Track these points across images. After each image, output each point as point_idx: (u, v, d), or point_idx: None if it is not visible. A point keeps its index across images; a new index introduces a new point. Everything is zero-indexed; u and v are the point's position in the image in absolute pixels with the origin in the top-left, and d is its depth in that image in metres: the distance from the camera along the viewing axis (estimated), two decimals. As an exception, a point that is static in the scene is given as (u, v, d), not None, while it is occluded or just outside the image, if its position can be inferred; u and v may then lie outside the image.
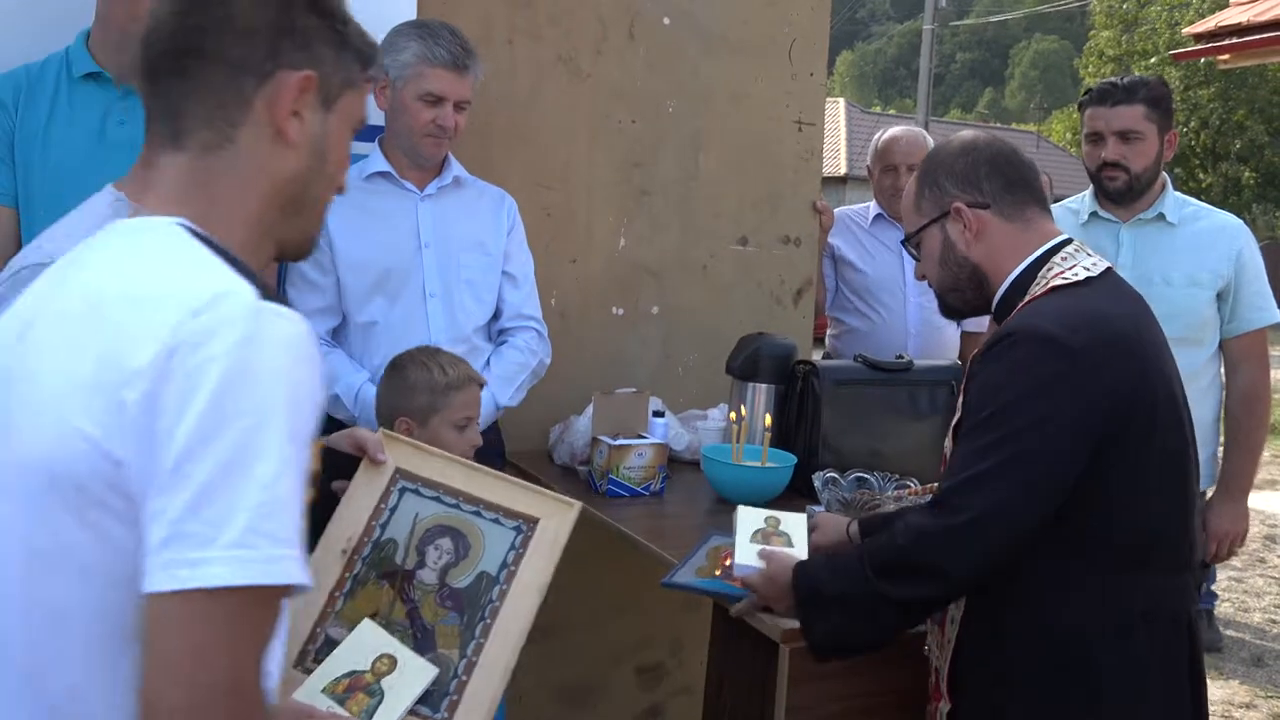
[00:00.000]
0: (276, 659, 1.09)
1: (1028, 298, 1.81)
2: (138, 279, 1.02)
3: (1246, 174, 23.55)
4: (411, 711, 1.60)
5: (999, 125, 35.26)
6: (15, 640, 1.02)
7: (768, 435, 2.83)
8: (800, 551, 1.99)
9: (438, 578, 1.70)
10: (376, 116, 2.76)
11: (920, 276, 2.01)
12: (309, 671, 1.63)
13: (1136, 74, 3.50)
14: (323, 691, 1.57)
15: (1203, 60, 9.73)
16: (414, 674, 1.61)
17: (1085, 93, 3.16)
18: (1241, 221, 3.14)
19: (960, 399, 1.82)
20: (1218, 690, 4.44)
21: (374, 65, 1.24)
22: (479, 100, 2.86)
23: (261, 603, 0.95)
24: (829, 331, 3.93)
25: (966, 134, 1.99)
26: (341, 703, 1.57)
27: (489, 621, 1.69)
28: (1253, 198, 24.14)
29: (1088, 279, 1.79)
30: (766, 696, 2.05)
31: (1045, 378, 1.69)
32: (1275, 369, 3.24)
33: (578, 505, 1.82)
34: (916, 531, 1.71)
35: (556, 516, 1.78)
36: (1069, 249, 1.86)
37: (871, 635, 1.78)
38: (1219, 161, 23.62)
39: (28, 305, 1.11)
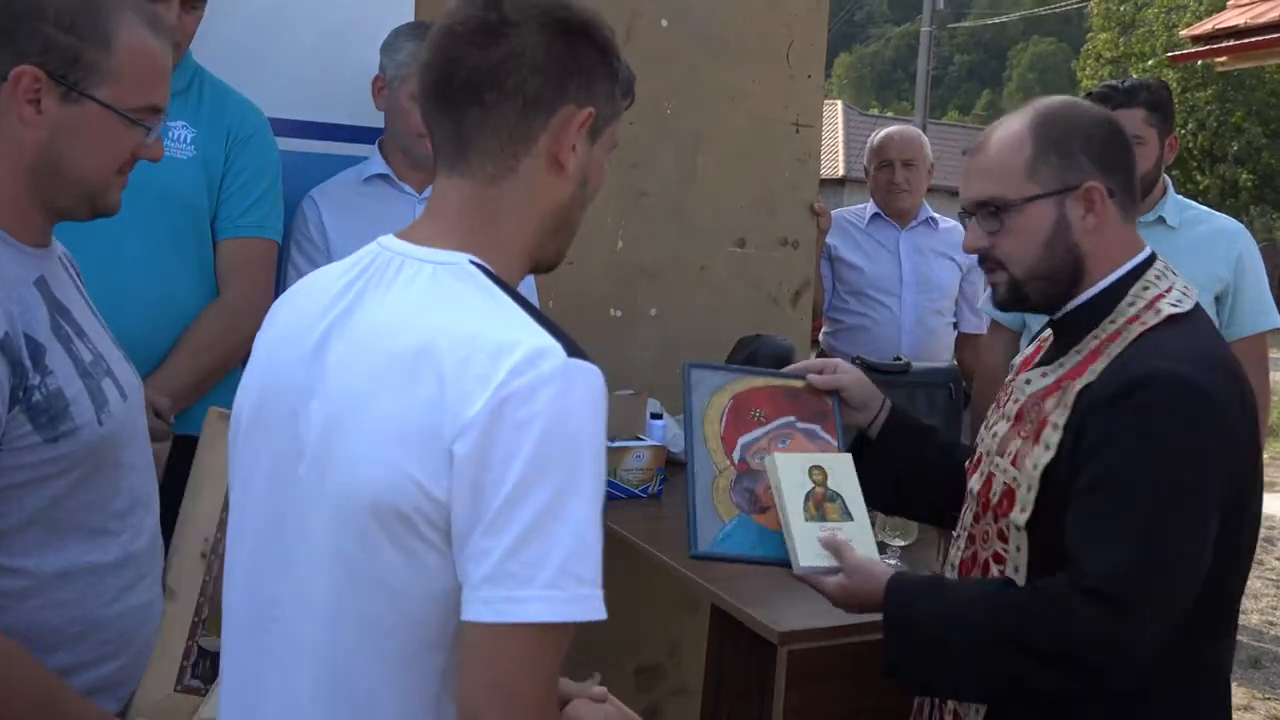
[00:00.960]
0: None
1: (1130, 317, 1.60)
2: (457, 328, 1.10)
3: (1244, 176, 23.57)
4: None
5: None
6: (321, 648, 1.13)
7: (765, 437, 2.83)
8: (861, 521, 1.72)
9: None
10: (376, 118, 2.76)
11: (975, 250, 1.70)
12: (190, 691, 1.58)
13: (1137, 77, 3.51)
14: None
15: (1200, 62, 9.74)
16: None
17: (1085, 95, 3.16)
18: (1242, 225, 3.14)
19: (1067, 436, 1.55)
20: (1215, 692, 4.44)
21: (631, 95, 1.31)
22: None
23: (565, 635, 1.08)
24: (823, 329, 3.95)
25: (1080, 103, 1.70)
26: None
27: None
28: (1250, 199, 24.16)
29: (1193, 309, 1.62)
30: (764, 698, 2.05)
31: (1200, 441, 1.49)
32: (1275, 371, 3.25)
33: None
34: (1090, 628, 1.46)
35: None
36: (1159, 265, 1.67)
37: (962, 689, 1.62)
38: (1216, 163, 23.64)
39: (326, 331, 1.18)
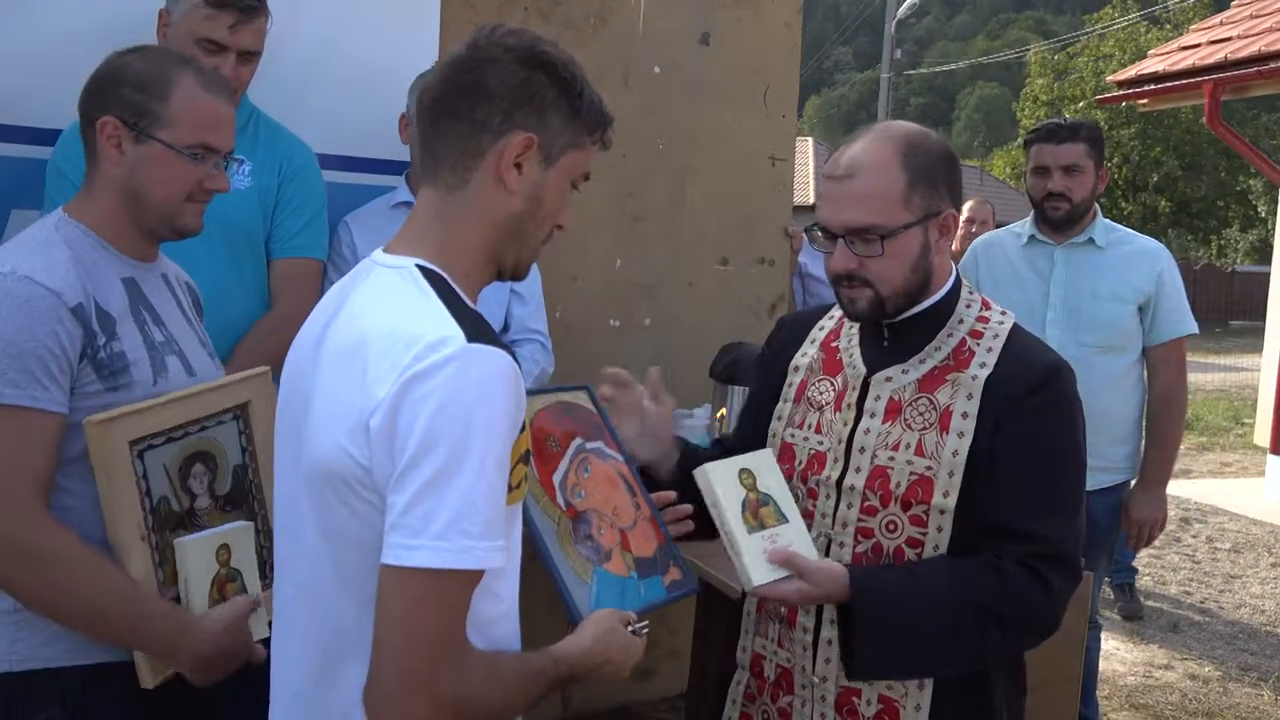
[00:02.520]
0: (508, 614, 1.28)
1: (979, 317, 1.61)
2: (383, 324, 1.17)
3: (1163, 203, 23.60)
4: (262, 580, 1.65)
5: (947, 161, 35.21)
6: (321, 585, 1.22)
7: (746, 431, 2.83)
8: (795, 520, 1.54)
9: (210, 498, 1.66)
10: (402, 152, 2.76)
11: (844, 271, 1.57)
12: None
13: (1075, 117, 3.53)
14: (210, 607, 1.57)
15: (1124, 104, 9.77)
16: (245, 540, 1.63)
17: (1032, 131, 3.17)
18: (1162, 246, 3.16)
19: (984, 423, 1.53)
20: (1140, 653, 4.45)
21: (601, 130, 1.30)
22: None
23: (459, 581, 1.12)
24: None
25: (929, 132, 1.62)
26: (223, 599, 1.59)
27: (260, 495, 1.73)
28: (1168, 224, 24.18)
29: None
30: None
31: (1084, 422, 1.58)
32: (1193, 373, 3.26)
33: (265, 369, 1.75)
34: (1053, 593, 1.50)
35: (258, 390, 1.72)
36: (964, 281, 1.68)
37: (930, 667, 1.53)
38: (1138, 192, 23.66)
39: (323, 330, 1.27)
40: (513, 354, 1.17)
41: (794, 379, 1.73)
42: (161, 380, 1.58)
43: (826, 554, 1.58)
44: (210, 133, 1.60)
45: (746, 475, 1.54)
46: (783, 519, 1.53)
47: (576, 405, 1.67)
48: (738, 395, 2.98)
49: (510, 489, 1.18)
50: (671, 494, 1.63)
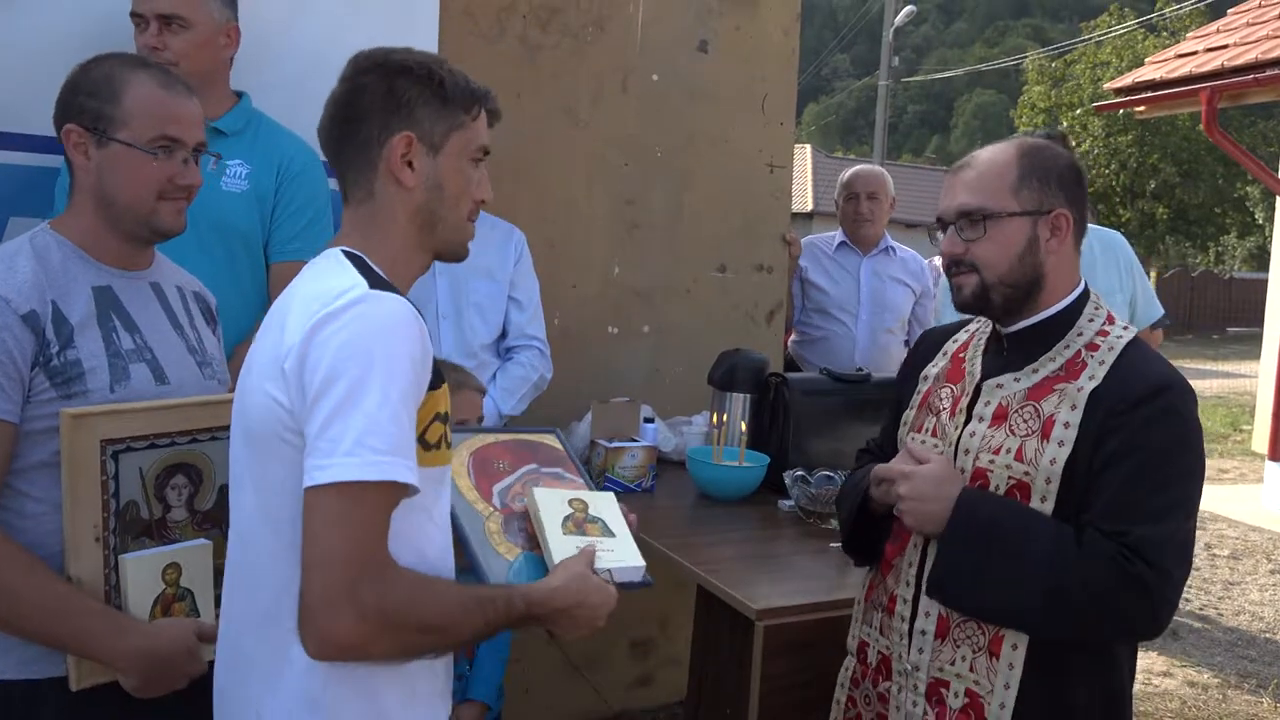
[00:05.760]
0: (435, 541, 1.35)
1: (1099, 330, 1.63)
2: (302, 289, 1.30)
3: (1160, 210, 23.60)
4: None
5: (945, 168, 35.36)
6: (259, 541, 1.30)
7: (744, 438, 2.83)
8: (623, 537, 1.54)
9: (187, 511, 1.62)
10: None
11: (951, 255, 1.65)
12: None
13: (1060, 129, 3.57)
14: (149, 619, 1.53)
15: (1122, 111, 9.78)
16: (201, 559, 1.60)
17: None
18: (1115, 231, 3.16)
19: (1085, 434, 1.54)
20: (1140, 660, 4.42)
21: (478, 105, 1.41)
22: (491, 145, 2.86)
23: (371, 493, 1.17)
24: (792, 339, 3.99)
25: (1057, 145, 1.69)
26: (167, 613, 1.56)
27: None
28: (1166, 230, 24.19)
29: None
30: (744, 667, 2.04)
31: (1201, 439, 1.58)
32: (1190, 380, 3.25)
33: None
34: (1137, 583, 1.47)
35: None
36: (1093, 295, 1.70)
37: (1003, 597, 1.54)
38: (1136, 199, 23.67)
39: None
40: (416, 309, 1.26)
41: (922, 387, 1.81)
42: (120, 388, 1.57)
43: (926, 550, 1.66)
44: (169, 126, 1.60)
45: (578, 502, 1.57)
46: (609, 534, 1.53)
47: (540, 444, 1.72)
48: (736, 402, 2.97)
49: (429, 446, 1.28)
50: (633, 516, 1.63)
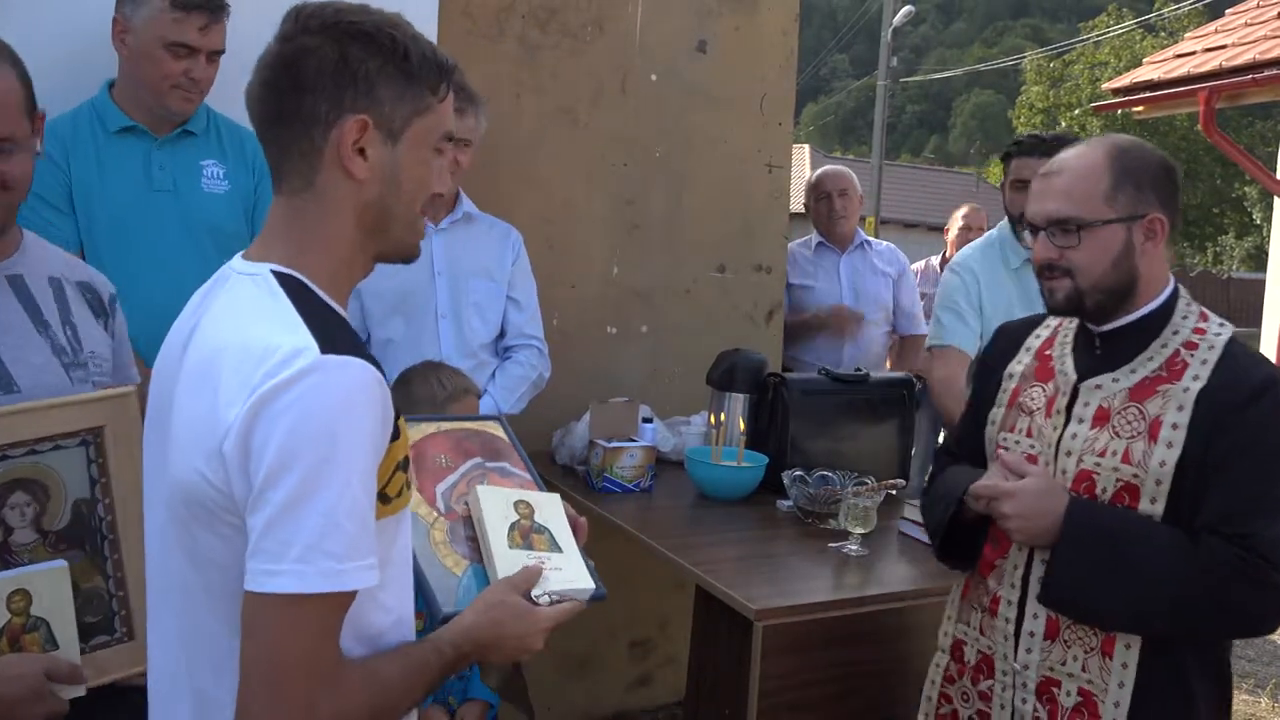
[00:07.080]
0: (389, 591, 1.17)
1: (1195, 328, 1.63)
2: (235, 337, 1.08)
3: (1159, 210, 23.66)
4: (93, 645, 1.46)
5: (944, 168, 35.34)
6: (196, 617, 1.13)
7: (743, 439, 2.83)
8: (570, 553, 1.42)
9: (36, 532, 1.45)
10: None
11: (1044, 260, 1.65)
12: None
13: (1059, 131, 3.57)
14: None
15: (1120, 111, 9.78)
16: (56, 584, 1.43)
17: (1014, 144, 3.17)
18: None
19: (1194, 434, 1.53)
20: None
21: (445, 81, 1.19)
22: (490, 145, 2.87)
23: (325, 604, 1.04)
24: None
25: (1146, 144, 1.68)
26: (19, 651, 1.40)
27: (113, 537, 1.50)
28: (1164, 230, 24.26)
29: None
30: (742, 667, 2.04)
31: None
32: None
33: (130, 387, 1.55)
34: (1262, 582, 1.48)
35: (116, 412, 1.50)
36: (1184, 291, 1.70)
37: (1117, 606, 1.54)
38: (1134, 199, 23.71)
39: (188, 338, 1.17)
40: (374, 362, 1.08)
41: (1008, 385, 1.80)
42: None
43: (1031, 555, 1.65)
44: None
45: (523, 505, 1.46)
46: (555, 548, 1.42)
47: (482, 432, 1.60)
48: (735, 402, 2.97)
49: (389, 499, 1.13)
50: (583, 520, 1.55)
